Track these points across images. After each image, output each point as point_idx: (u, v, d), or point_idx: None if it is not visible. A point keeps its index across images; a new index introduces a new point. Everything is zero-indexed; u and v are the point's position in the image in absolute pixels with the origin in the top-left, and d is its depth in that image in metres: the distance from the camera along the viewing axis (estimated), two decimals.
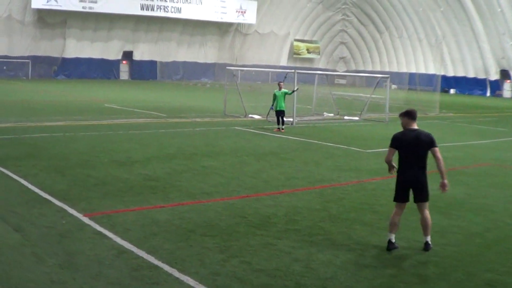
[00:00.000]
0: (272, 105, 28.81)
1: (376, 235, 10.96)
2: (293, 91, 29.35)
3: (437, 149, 10.20)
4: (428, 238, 10.31)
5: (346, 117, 36.67)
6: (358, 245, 10.34)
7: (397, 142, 10.29)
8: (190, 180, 15.38)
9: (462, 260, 9.82)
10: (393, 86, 69.30)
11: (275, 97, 28.57)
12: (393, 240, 10.18)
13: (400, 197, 10.36)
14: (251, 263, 9.20)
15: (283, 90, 28.58)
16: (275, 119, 28.73)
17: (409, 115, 10.40)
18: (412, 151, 10.18)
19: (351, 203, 13.67)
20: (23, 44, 74.86)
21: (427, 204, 10.39)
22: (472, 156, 22.40)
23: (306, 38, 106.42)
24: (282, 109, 28.18)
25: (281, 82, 29.64)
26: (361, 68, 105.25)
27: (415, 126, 10.34)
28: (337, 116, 37.13)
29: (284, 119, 28.25)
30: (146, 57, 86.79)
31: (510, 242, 11.06)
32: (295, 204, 13.26)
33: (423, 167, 10.23)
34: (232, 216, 11.89)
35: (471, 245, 10.77)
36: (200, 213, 12.05)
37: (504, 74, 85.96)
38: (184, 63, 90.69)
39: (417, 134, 10.22)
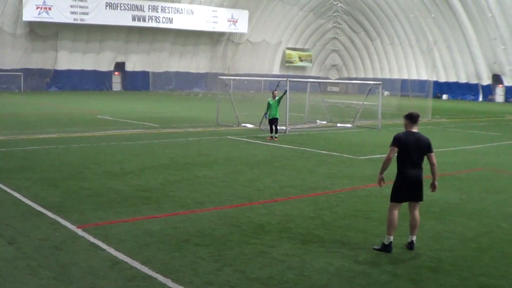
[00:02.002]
0: (266, 113, 28.88)
1: (370, 242, 10.95)
2: (285, 93, 29.28)
3: (433, 154, 10.64)
4: (414, 238, 10.67)
5: (339, 125, 36.70)
6: (352, 252, 10.34)
7: (399, 141, 10.56)
8: (183, 190, 15.37)
9: (457, 265, 9.82)
10: (386, 93, 69.50)
11: (269, 105, 28.62)
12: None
13: (402, 196, 10.60)
14: (245, 272, 9.19)
15: (277, 98, 28.64)
16: (268, 127, 28.77)
17: (410, 118, 10.72)
18: (413, 152, 10.51)
19: (345, 210, 13.68)
20: (15, 57, 74.79)
21: (420, 204, 10.80)
22: (465, 161, 22.45)
23: (298, 46, 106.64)
24: (275, 117, 28.24)
25: (275, 91, 29.67)
26: (353, 76, 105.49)
27: (415, 129, 10.69)
28: (330, 124, 37.16)
29: (278, 127, 28.29)
30: (138, 68, 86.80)
31: (505, 246, 11.07)
32: (288, 212, 13.26)
33: (421, 168, 10.63)
34: (225, 225, 11.88)
35: (466, 249, 10.77)
36: (194, 222, 12.04)
37: (496, 79, 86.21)
38: (177, 73, 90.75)
39: (417, 137, 10.60)
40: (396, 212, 10.54)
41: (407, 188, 10.53)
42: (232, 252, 10.16)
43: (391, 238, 10.42)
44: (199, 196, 14.66)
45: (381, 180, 10.87)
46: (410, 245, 10.58)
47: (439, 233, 11.75)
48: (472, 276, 9.32)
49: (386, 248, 10.39)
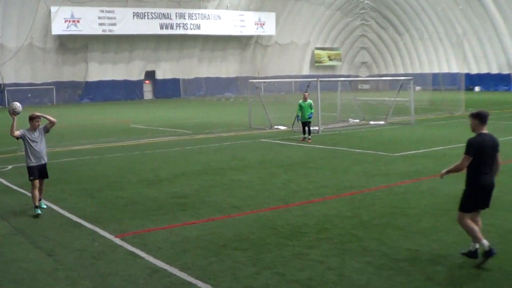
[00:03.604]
0: (298, 116, 28.58)
1: (409, 239, 10.89)
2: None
3: (499, 153, 9.98)
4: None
5: (371, 122, 36.48)
6: (391, 250, 10.27)
7: (476, 149, 9.55)
8: (219, 195, 15.40)
9: (497, 259, 9.69)
10: (417, 88, 68.91)
11: (300, 107, 28.30)
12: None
13: (477, 206, 9.83)
14: (284, 274, 9.17)
15: (309, 101, 28.33)
16: (301, 128, 28.64)
17: (480, 118, 9.74)
18: (490, 156, 9.72)
19: (382, 208, 13.59)
20: (46, 71, 75.39)
21: None
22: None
23: (326, 45, 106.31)
24: (308, 120, 28.07)
25: (306, 92, 29.38)
26: (384, 72, 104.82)
27: (485, 130, 9.80)
28: (363, 122, 36.95)
29: (310, 128, 28.09)
30: (168, 76, 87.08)
31: None
32: (325, 212, 13.22)
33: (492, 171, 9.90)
34: (263, 228, 11.88)
35: (506, 243, 10.65)
36: (231, 227, 12.06)
37: None
38: (207, 78, 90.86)
39: (492, 138, 9.81)
40: (470, 220, 9.68)
41: (483, 196, 9.77)
42: (270, 255, 10.15)
43: (485, 242, 9.49)
44: (235, 200, 14.67)
45: (443, 175, 10.04)
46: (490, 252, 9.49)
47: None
48: None
49: (474, 254, 9.67)
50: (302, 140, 27.46)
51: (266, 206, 14.05)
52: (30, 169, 14.10)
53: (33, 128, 14.13)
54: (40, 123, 14.25)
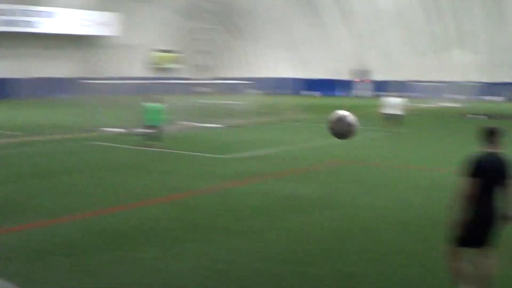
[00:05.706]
0: (145, 119, 26.55)
1: (232, 240, 11.12)
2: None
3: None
4: None
5: (207, 125, 36.79)
6: (214, 250, 10.46)
7: (480, 168, 7.77)
8: (45, 200, 15.04)
9: (322, 256, 10.06)
10: (254, 92, 70.02)
11: (147, 110, 26.44)
12: None
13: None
14: (111, 279, 9.20)
15: (158, 104, 26.58)
16: (142, 131, 27.45)
17: (490, 134, 8.00)
18: (495, 180, 7.86)
19: (209, 209, 13.89)
20: None
21: None
22: (327, 154, 23.01)
23: (167, 48, 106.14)
24: (155, 124, 26.32)
25: (152, 94, 27.52)
26: (224, 76, 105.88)
27: (497, 148, 8.00)
28: (199, 125, 37.16)
29: (157, 132, 26.35)
30: None
31: (361, 235, 11.51)
32: (155, 215, 13.29)
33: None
34: (89, 233, 11.76)
35: (330, 241, 11.04)
36: (56, 232, 11.86)
37: (363, 74, 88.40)
38: (40, 79, 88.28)
39: (500, 159, 8.00)
40: (459, 259, 8.15)
41: (485, 228, 8.01)
42: (96, 260, 10.09)
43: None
44: (62, 205, 14.39)
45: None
46: None
47: (297, 226, 12.03)
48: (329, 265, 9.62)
49: None
50: (148, 146, 25.74)
51: (93, 209, 13.92)
52: None
53: None
54: None
